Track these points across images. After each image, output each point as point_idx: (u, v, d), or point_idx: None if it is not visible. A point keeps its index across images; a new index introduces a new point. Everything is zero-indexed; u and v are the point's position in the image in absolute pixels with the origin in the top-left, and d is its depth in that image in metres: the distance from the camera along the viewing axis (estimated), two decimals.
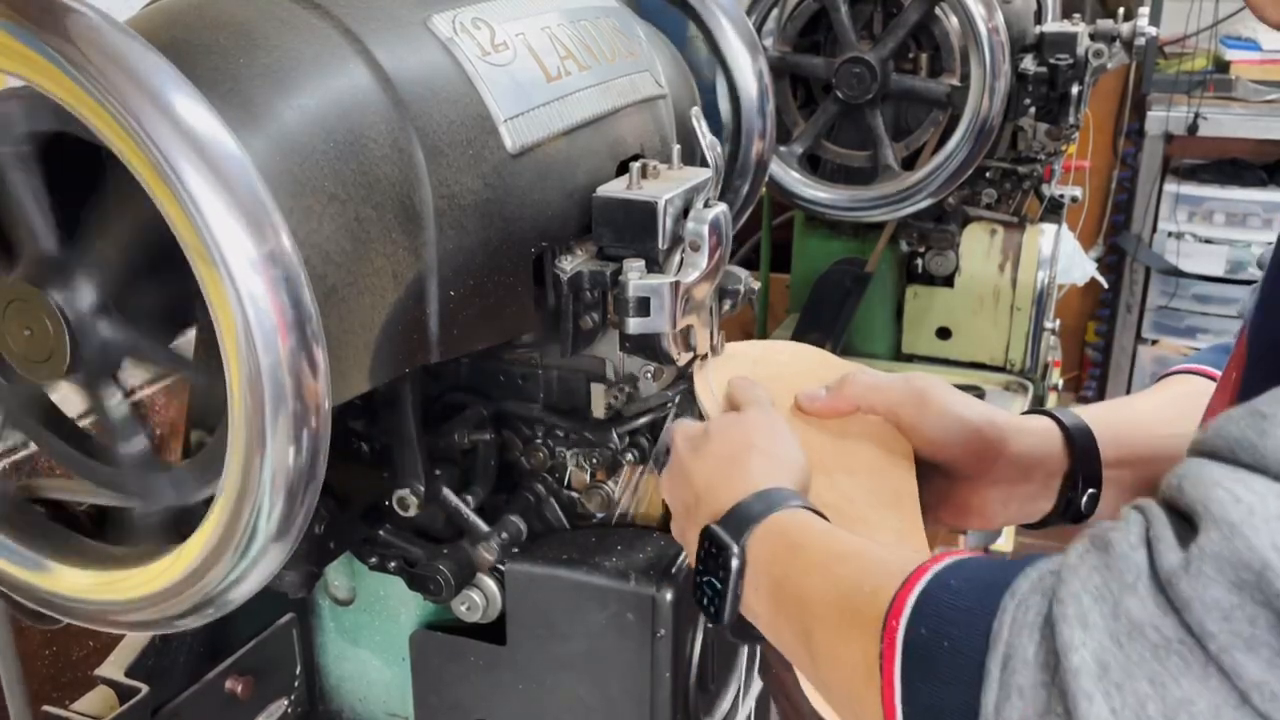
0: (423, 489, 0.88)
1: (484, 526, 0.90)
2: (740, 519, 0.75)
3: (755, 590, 0.74)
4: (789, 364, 0.94)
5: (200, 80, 0.60)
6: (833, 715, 0.77)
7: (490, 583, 0.91)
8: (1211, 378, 0.95)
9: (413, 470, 0.88)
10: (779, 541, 0.73)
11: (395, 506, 0.89)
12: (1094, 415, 0.93)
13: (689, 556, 0.82)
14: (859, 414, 0.89)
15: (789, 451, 0.82)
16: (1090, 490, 0.90)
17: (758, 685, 1.04)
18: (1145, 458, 0.92)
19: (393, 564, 0.94)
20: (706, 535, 0.76)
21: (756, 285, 0.94)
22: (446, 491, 0.90)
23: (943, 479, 0.89)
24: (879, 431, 0.89)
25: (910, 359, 2.41)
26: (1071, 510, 0.91)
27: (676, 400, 0.94)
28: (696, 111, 0.94)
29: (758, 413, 0.84)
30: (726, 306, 0.91)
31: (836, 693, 0.68)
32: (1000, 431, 0.89)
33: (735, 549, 0.74)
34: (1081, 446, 0.90)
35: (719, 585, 0.75)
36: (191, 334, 0.71)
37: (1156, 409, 0.98)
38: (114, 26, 0.57)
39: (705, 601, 0.76)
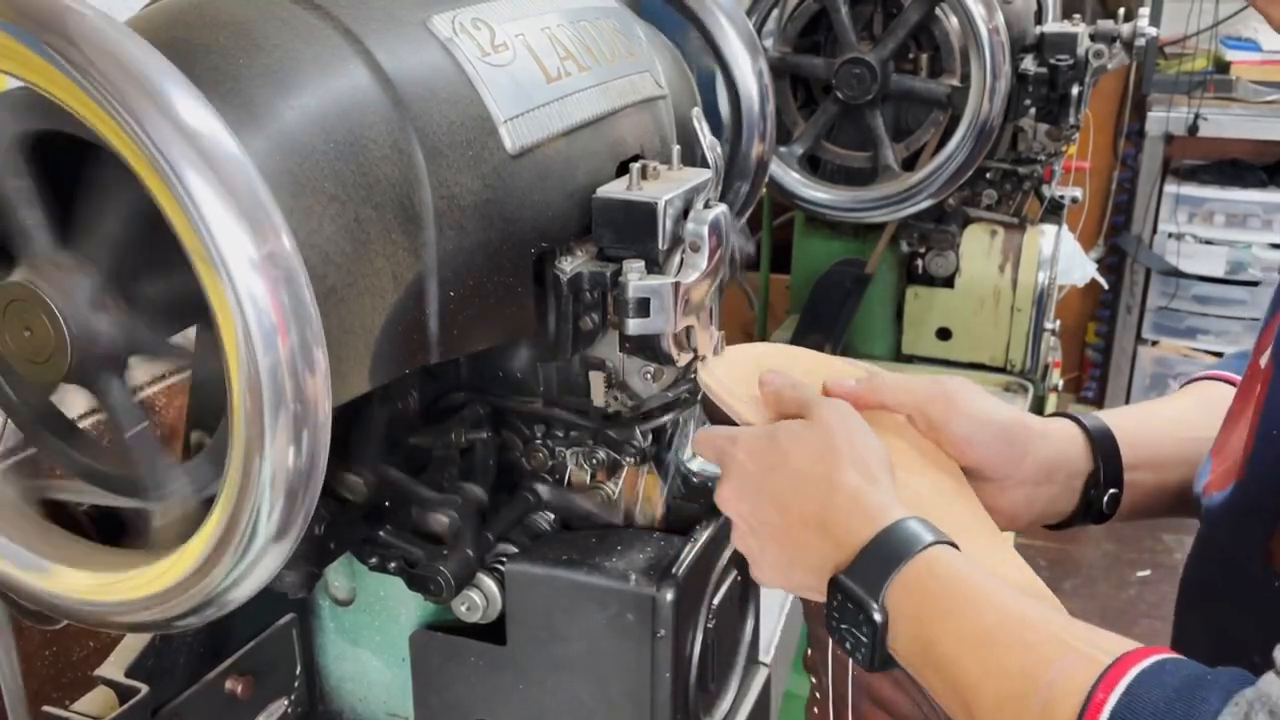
0: (372, 475, 0.86)
1: (432, 494, 0.89)
2: (873, 570, 0.73)
3: (899, 640, 0.73)
4: (790, 367, 0.94)
5: (200, 80, 0.60)
6: None
7: (490, 583, 0.91)
8: (1234, 384, 0.95)
9: (359, 454, 0.86)
10: (923, 599, 0.72)
11: (345, 492, 0.87)
12: (1115, 418, 0.94)
13: (757, 570, 0.82)
14: (885, 413, 0.88)
15: (874, 451, 0.80)
16: (1112, 490, 0.91)
17: (757, 686, 1.04)
18: (1165, 461, 0.93)
19: (393, 564, 0.94)
20: (838, 588, 0.74)
21: (750, 249, 0.93)
22: (390, 469, 0.88)
23: (968, 480, 0.90)
24: (909, 431, 0.89)
25: (910, 360, 2.41)
26: (1094, 511, 0.92)
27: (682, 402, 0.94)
28: (697, 112, 0.94)
29: (829, 412, 0.81)
30: (725, 275, 0.90)
31: None
32: (1026, 433, 0.89)
33: (876, 607, 0.72)
34: (1103, 448, 0.91)
35: (862, 638, 0.74)
36: (191, 331, 0.71)
37: (1179, 414, 0.99)
38: (114, 27, 0.57)
39: (848, 646, 0.75)
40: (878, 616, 0.72)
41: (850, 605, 0.73)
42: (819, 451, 0.79)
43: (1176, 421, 0.98)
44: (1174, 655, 0.66)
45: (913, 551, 0.73)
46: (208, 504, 0.63)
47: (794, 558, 0.79)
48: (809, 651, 0.92)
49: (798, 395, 0.85)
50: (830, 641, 0.84)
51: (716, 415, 0.90)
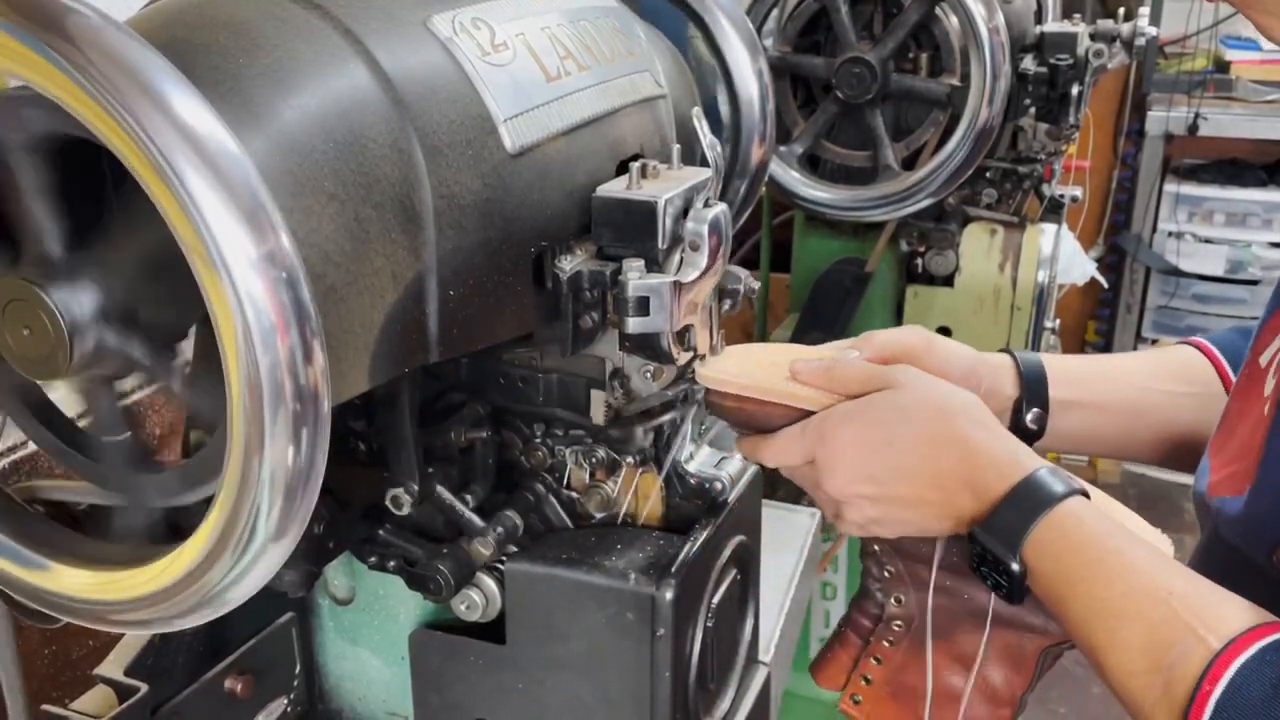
0: (416, 488, 0.88)
1: (479, 522, 0.90)
2: (1009, 526, 0.81)
3: (1037, 587, 0.81)
4: (784, 361, 0.94)
5: (200, 80, 0.60)
6: None
7: (490, 582, 0.91)
8: (1210, 356, 1.08)
9: (407, 469, 0.88)
10: (1055, 562, 0.80)
11: (390, 505, 0.89)
12: (1058, 359, 1.07)
13: (886, 532, 0.89)
14: None
15: (972, 399, 0.88)
16: (1035, 410, 1.04)
17: (757, 685, 1.04)
18: (1104, 402, 1.06)
19: (392, 563, 0.94)
20: (977, 541, 0.82)
21: (756, 285, 0.94)
22: (441, 489, 0.90)
23: None
24: None
25: None
26: (1022, 429, 1.04)
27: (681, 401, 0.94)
28: (697, 111, 0.94)
29: (908, 375, 0.88)
30: (726, 306, 0.92)
31: (1119, 693, 0.78)
32: (982, 367, 1.04)
33: (1015, 560, 0.80)
34: (1030, 376, 1.04)
35: (1002, 582, 0.82)
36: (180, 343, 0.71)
37: (1132, 364, 1.12)
38: (114, 26, 0.57)
39: (989, 584, 0.84)
40: (1016, 568, 0.80)
41: (990, 556, 0.82)
42: (928, 415, 0.85)
43: (1126, 370, 1.10)
44: None
45: (1045, 508, 0.80)
46: (206, 504, 0.63)
47: (927, 516, 0.86)
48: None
49: (864, 371, 0.89)
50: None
51: (725, 411, 0.91)
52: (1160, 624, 0.75)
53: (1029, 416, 1.03)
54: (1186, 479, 1.02)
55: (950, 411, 0.85)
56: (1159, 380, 1.07)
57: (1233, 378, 1.05)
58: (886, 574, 0.94)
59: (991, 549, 0.81)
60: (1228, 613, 0.75)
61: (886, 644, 0.96)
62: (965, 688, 0.92)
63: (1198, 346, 1.10)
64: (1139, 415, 1.07)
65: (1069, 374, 1.06)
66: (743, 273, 0.92)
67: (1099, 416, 1.07)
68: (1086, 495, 0.83)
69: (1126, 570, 0.78)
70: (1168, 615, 0.75)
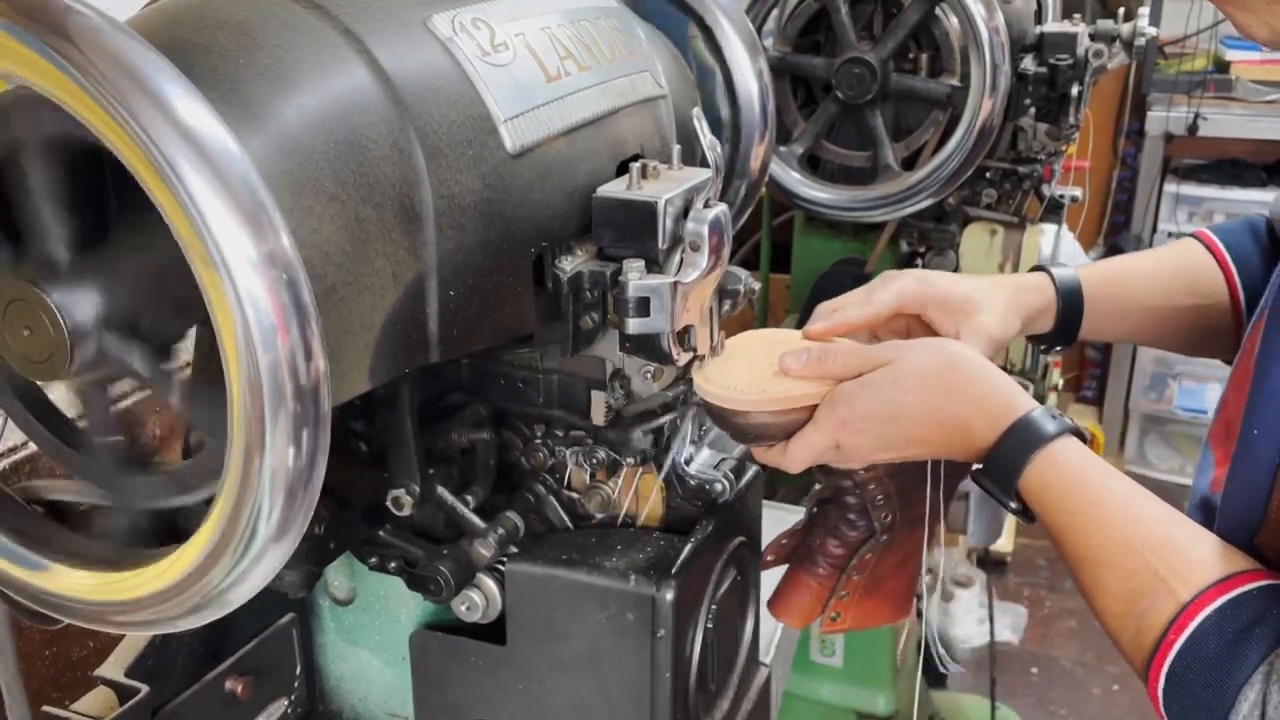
0: (418, 489, 0.88)
1: (480, 523, 0.90)
2: (1003, 471, 0.86)
3: (1040, 520, 0.87)
4: (775, 347, 0.95)
5: (200, 80, 0.60)
6: None
7: (490, 583, 0.91)
8: (1211, 247, 1.15)
9: (408, 470, 0.88)
10: (1043, 505, 0.85)
11: (390, 506, 0.89)
12: (1087, 271, 1.14)
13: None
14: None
15: (962, 350, 0.92)
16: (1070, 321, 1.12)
17: (757, 685, 1.04)
18: (1123, 314, 1.15)
19: (393, 564, 0.94)
20: (979, 484, 0.89)
21: (757, 285, 0.94)
22: (441, 490, 0.90)
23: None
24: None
25: None
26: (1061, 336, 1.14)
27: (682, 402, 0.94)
28: (697, 112, 0.94)
29: (895, 350, 0.91)
30: (726, 306, 0.92)
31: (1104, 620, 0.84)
32: (1004, 291, 1.10)
33: (1011, 502, 0.87)
34: (1065, 293, 1.12)
35: (999, 503, 0.88)
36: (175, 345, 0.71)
37: (1150, 273, 1.18)
38: (114, 26, 0.57)
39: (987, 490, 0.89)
40: (1014, 506, 0.87)
41: (992, 496, 0.88)
42: (924, 383, 0.89)
43: (1145, 279, 1.17)
44: (1254, 585, 0.76)
45: (1033, 451, 0.85)
46: (207, 505, 0.63)
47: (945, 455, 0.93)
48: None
49: (854, 356, 0.91)
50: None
51: (724, 421, 0.91)
52: (1136, 574, 0.80)
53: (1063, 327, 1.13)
54: (1186, 479, 1.02)
55: (940, 373, 0.89)
56: (1176, 296, 1.15)
57: (1238, 280, 1.13)
58: (879, 500, 0.97)
59: (990, 491, 0.88)
60: (1200, 562, 0.79)
61: (868, 557, 0.99)
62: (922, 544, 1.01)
63: (1206, 244, 1.16)
64: (1162, 324, 1.17)
65: (1098, 287, 1.13)
66: (743, 273, 0.92)
67: (1127, 326, 1.18)
68: (1079, 434, 0.87)
69: (1103, 520, 0.83)
70: (1140, 566, 0.80)
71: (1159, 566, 0.79)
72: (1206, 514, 0.91)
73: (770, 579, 1.04)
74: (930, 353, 0.91)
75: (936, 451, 0.91)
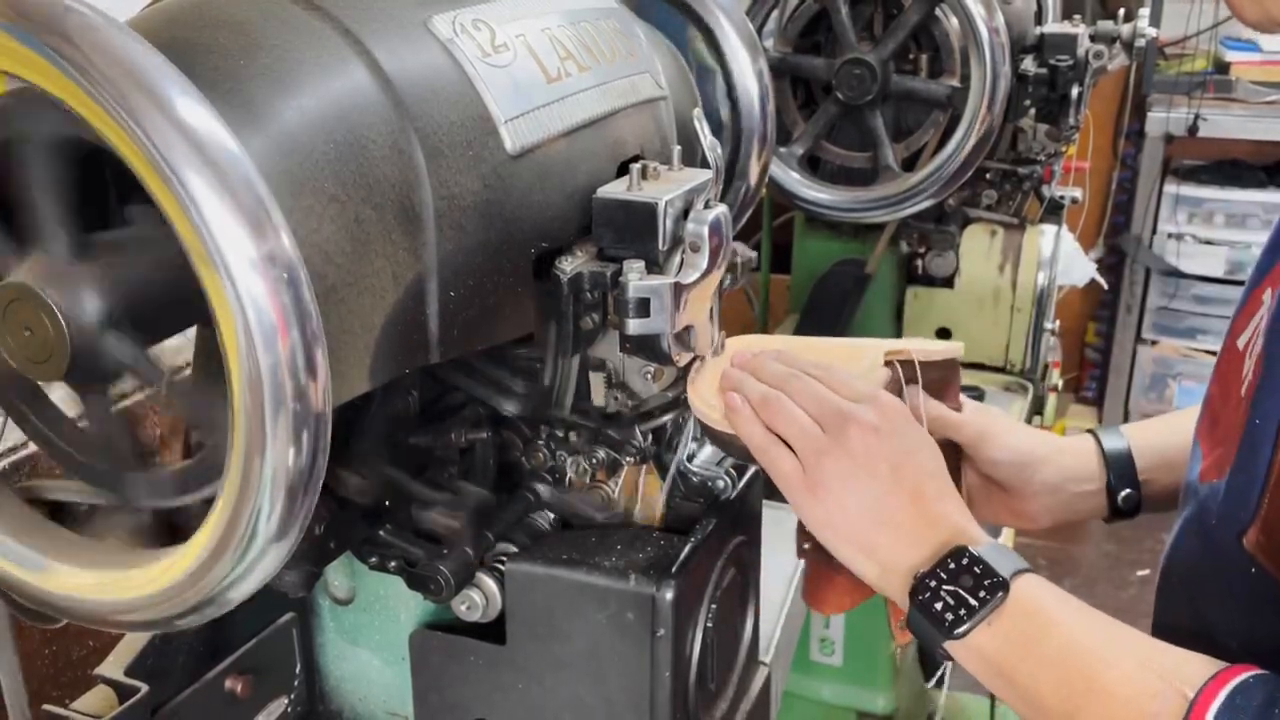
0: (370, 473, 0.87)
1: (431, 493, 0.89)
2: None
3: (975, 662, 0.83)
4: (804, 352, 0.95)
5: (200, 80, 0.60)
6: None
7: (490, 582, 0.91)
8: None
9: (358, 454, 0.87)
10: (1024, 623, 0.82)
11: (347, 493, 0.88)
12: (1135, 429, 1.08)
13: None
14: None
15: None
16: (1127, 492, 1.05)
17: (757, 685, 1.04)
18: (1176, 461, 1.03)
19: (393, 564, 0.94)
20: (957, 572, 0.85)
21: (752, 254, 0.94)
22: (391, 469, 0.89)
23: (998, 489, 1.06)
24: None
25: None
26: (1117, 509, 1.06)
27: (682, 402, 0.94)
28: (698, 112, 0.94)
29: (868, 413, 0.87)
30: (726, 282, 0.91)
31: None
32: (1035, 457, 1.05)
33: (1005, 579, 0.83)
34: (1116, 460, 1.06)
35: (968, 607, 0.82)
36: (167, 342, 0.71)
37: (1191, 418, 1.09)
38: (114, 27, 0.57)
39: (942, 609, 0.83)
40: (1000, 594, 0.83)
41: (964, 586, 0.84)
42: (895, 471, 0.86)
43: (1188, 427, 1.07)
44: (1248, 675, 0.73)
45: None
46: (207, 505, 0.64)
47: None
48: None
49: (796, 409, 0.88)
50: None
51: (713, 436, 0.91)
52: (1132, 678, 0.76)
53: (1120, 498, 1.06)
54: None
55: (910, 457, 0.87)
56: None
57: None
58: None
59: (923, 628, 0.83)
60: (1186, 662, 0.76)
61: None
62: None
63: None
64: None
65: (1151, 449, 1.07)
66: (738, 245, 0.92)
67: (1173, 475, 1.06)
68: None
69: (1061, 676, 0.79)
70: (1136, 670, 0.76)
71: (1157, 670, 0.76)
72: (1197, 504, 0.91)
73: (772, 580, 1.04)
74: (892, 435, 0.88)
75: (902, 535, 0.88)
